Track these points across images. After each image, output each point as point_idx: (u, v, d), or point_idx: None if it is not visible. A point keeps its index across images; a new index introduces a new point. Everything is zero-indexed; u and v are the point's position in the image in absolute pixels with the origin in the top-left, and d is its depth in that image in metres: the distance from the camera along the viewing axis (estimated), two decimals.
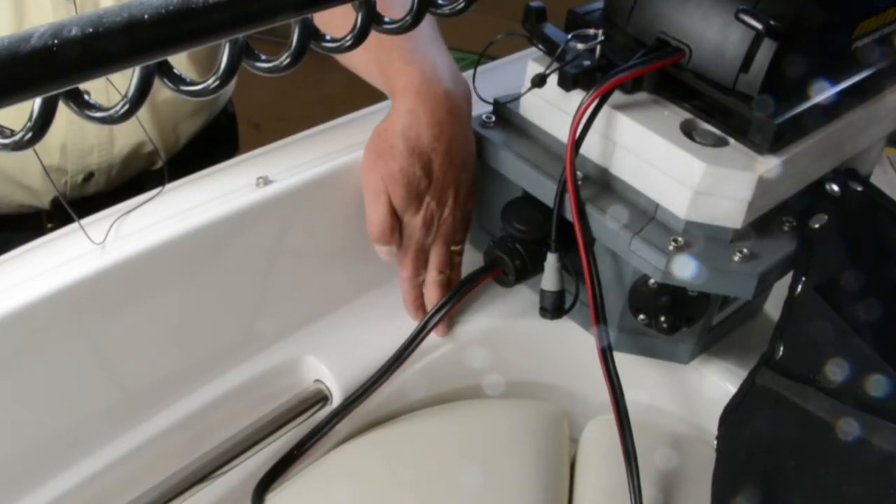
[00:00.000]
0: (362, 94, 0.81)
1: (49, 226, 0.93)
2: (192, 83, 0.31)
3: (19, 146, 0.28)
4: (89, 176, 0.92)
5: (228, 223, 0.68)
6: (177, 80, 0.31)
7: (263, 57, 0.33)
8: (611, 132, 0.68)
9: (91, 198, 0.94)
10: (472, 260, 0.83)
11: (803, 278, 0.64)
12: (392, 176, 0.69)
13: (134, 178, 0.96)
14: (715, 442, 0.67)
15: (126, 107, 0.29)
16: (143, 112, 0.90)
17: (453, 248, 0.76)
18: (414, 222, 0.72)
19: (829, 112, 0.67)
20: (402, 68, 0.70)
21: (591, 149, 0.69)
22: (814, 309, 0.62)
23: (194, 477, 0.69)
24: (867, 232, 0.68)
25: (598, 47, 0.66)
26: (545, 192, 0.71)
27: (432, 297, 0.76)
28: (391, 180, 0.69)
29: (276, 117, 1.60)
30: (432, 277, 0.75)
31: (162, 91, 0.92)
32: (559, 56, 0.66)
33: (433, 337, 0.76)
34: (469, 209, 0.76)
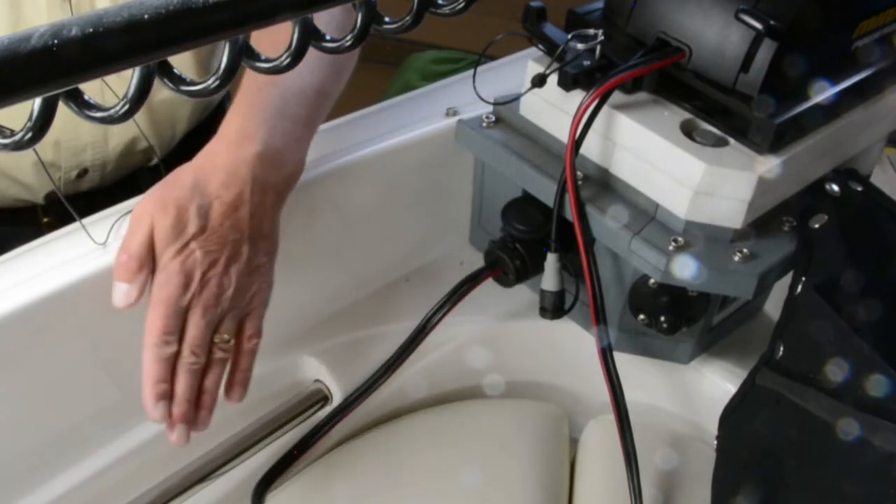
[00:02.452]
0: (361, 95, 0.81)
1: (45, 220, 0.93)
2: (192, 83, 0.31)
3: (19, 146, 0.28)
4: (83, 172, 0.92)
5: None
6: (177, 80, 0.31)
7: (263, 57, 0.33)
8: (611, 132, 0.68)
9: (86, 193, 0.94)
10: (472, 260, 0.83)
11: (803, 278, 0.64)
12: (164, 204, 0.60)
13: (129, 175, 0.96)
14: (715, 442, 0.67)
15: (126, 107, 0.29)
16: (140, 111, 0.90)
17: (217, 337, 0.62)
18: (171, 266, 0.60)
19: (829, 112, 0.67)
20: (231, 115, 0.66)
21: (591, 149, 0.69)
22: (814, 309, 0.62)
23: (194, 477, 0.69)
24: (867, 232, 0.68)
25: (598, 47, 0.66)
26: (545, 192, 0.71)
27: (179, 386, 0.61)
28: (161, 208, 0.60)
29: None
30: (183, 358, 0.61)
31: (159, 92, 0.92)
32: (559, 56, 0.66)
33: (433, 337, 0.76)
34: (244, 298, 0.63)
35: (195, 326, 0.61)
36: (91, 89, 0.78)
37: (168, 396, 0.61)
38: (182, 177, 0.62)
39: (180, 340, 0.61)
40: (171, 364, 0.61)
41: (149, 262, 0.60)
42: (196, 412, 0.63)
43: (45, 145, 0.87)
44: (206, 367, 0.63)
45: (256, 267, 0.64)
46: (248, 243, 0.63)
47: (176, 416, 0.62)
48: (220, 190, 0.61)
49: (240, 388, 0.65)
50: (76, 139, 0.88)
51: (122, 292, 0.60)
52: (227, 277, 0.62)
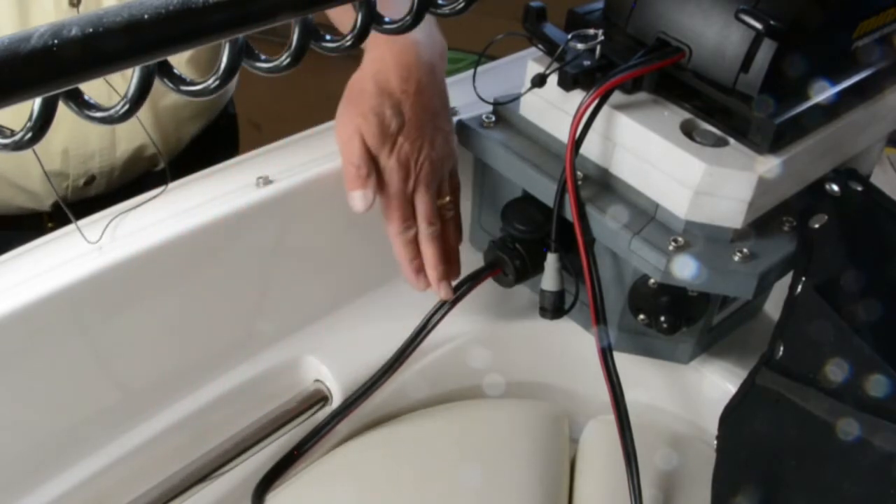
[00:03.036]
0: None
1: (50, 225, 0.93)
2: (192, 83, 0.31)
3: (19, 146, 0.28)
4: (91, 179, 0.92)
5: (228, 223, 0.68)
6: (177, 81, 0.31)
7: (263, 57, 0.33)
8: (611, 132, 0.68)
9: (92, 199, 0.94)
10: (472, 260, 0.83)
11: (803, 278, 0.64)
12: (363, 116, 0.69)
13: (135, 180, 0.97)
14: (715, 442, 0.67)
15: (126, 107, 0.29)
16: (145, 116, 0.90)
17: (440, 200, 0.74)
18: (390, 164, 0.70)
19: (829, 112, 0.67)
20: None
21: (591, 149, 0.69)
22: (814, 309, 0.62)
23: (194, 477, 0.69)
24: (867, 232, 0.68)
25: (598, 47, 0.66)
26: (545, 192, 0.71)
27: (428, 254, 0.73)
28: (362, 120, 0.69)
29: (276, 117, 1.59)
30: (423, 230, 0.72)
31: (165, 96, 0.93)
32: (559, 56, 0.66)
33: (433, 337, 0.76)
34: (447, 160, 0.74)
35: (424, 203, 0.72)
36: (98, 93, 0.78)
37: (421, 269, 0.74)
38: (366, 87, 0.70)
39: (415, 220, 0.73)
40: (416, 242, 0.73)
41: (373, 165, 0.70)
42: (449, 267, 0.74)
43: (54, 154, 0.87)
44: (443, 229, 0.74)
45: (447, 133, 0.74)
46: (438, 117, 0.72)
47: (434, 278, 0.74)
48: (402, 85, 0.70)
49: (459, 231, 0.78)
50: (84, 147, 0.89)
51: (359, 197, 0.70)
52: (434, 152, 0.72)
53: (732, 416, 0.66)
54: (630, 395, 0.70)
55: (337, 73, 0.81)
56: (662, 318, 0.70)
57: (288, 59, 0.33)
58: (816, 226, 0.66)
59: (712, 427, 0.68)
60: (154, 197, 0.68)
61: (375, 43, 0.70)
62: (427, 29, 0.73)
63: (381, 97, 0.69)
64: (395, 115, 0.69)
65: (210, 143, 1.03)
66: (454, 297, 0.74)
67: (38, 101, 0.27)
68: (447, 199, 0.75)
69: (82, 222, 0.66)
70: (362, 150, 0.69)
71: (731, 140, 0.65)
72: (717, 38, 0.64)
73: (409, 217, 0.72)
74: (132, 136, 0.91)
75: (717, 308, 0.75)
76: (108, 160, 0.92)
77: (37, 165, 0.83)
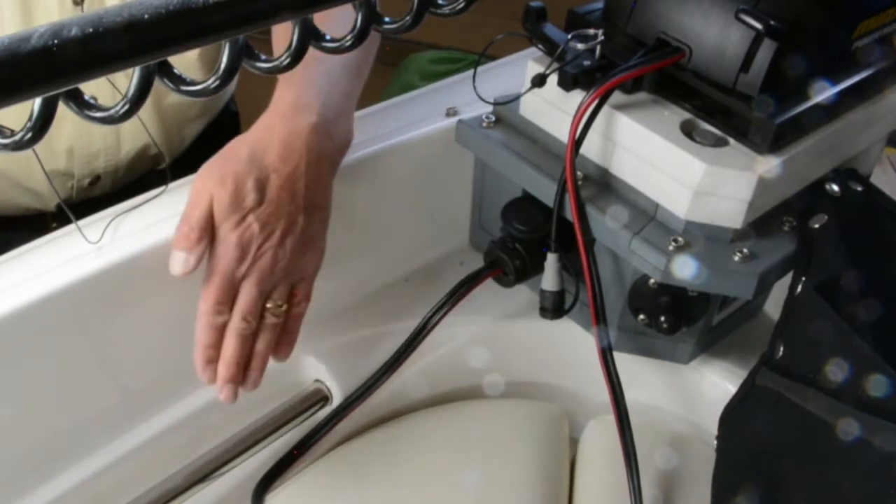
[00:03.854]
0: (361, 95, 0.81)
1: (54, 225, 0.93)
2: (192, 83, 0.31)
3: (19, 146, 0.28)
4: (96, 179, 0.92)
5: None
6: (177, 80, 0.31)
7: (263, 57, 0.33)
8: (611, 132, 0.68)
9: (97, 199, 0.94)
10: (472, 260, 0.83)
11: (803, 278, 0.64)
12: (222, 178, 0.62)
13: (139, 179, 0.97)
14: (715, 442, 0.67)
15: (126, 107, 0.29)
16: (148, 116, 0.90)
17: (270, 303, 0.65)
18: (228, 238, 0.62)
19: (829, 112, 0.67)
20: (281, 89, 0.67)
21: (591, 149, 0.69)
22: (814, 309, 0.62)
23: (194, 477, 0.69)
24: (867, 232, 0.68)
25: (598, 47, 0.66)
26: (545, 192, 0.71)
27: (227, 349, 0.64)
28: (220, 181, 0.62)
29: None
30: (233, 322, 0.64)
31: (167, 94, 0.93)
32: (559, 56, 0.66)
33: (433, 337, 0.76)
34: (296, 267, 0.66)
35: (248, 295, 0.63)
36: (103, 93, 0.78)
37: (216, 360, 0.64)
38: (239, 150, 0.63)
39: (232, 308, 0.64)
40: (222, 330, 0.64)
41: (208, 233, 0.62)
42: (246, 374, 0.65)
43: (59, 153, 0.88)
44: (257, 331, 0.65)
45: (310, 236, 0.66)
46: (303, 214, 0.64)
47: (224, 377, 0.64)
48: (278, 163, 0.63)
49: (287, 347, 0.68)
50: (89, 146, 0.89)
51: (180, 260, 0.62)
52: (283, 248, 0.64)
53: (732, 416, 0.66)
54: (630, 395, 0.70)
55: None
56: (662, 318, 0.70)
57: (288, 59, 0.33)
58: (816, 226, 0.66)
59: (712, 427, 0.68)
60: (154, 197, 0.68)
61: (271, 109, 0.66)
62: (335, 116, 0.67)
63: (249, 165, 0.62)
64: (255, 189, 0.62)
65: (213, 140, 1.03)
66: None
67: (38, 101, 0.27)
68: (280, 304, 0.66)
69: (82, 222, 0.66)
70: (204, 214, 0.62)
71: (731, 140, 0.65)
72: (717, 38, 0.64)
73: (226, 302, 0.63)
74: (136, 135, 0.91)
75: (717, 308, 0.75)
76: (113, 160, 0.92)
77: (42, 165, 0.83)
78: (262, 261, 0.63)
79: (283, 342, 0.68)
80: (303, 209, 0.64)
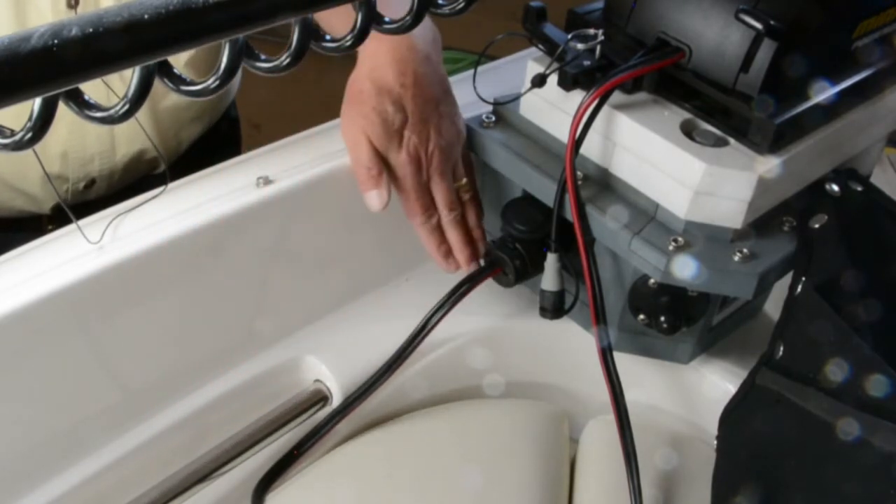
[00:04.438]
0: None
1: (50, 227, 0.93)
2: (192, 83, 0.31)
3: (19, 146, 0.28)
4: (91, 183, 0.92)
5: (228, 223, 0.68)
6: (177, 81, 0.31)
7: (263, 57, 0.33)
8: (611, 132, 0.68)
9: (92, 202, 0.94)
10: None
11: (803, 278, 0.64)
12: (366, 117, 0.70)
13: (134, 183, 0.96)
14: (715, 442, 0.67)
15: (126, 107, 0.29)
16: (144, 119, 0.90)
17: (456, 184, 0.75)
18: (400, 160, 0.71)
19: (829, 112, 0.67)
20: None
21: (591, 149, 0.69)
22: (814, 309, 0.62)
23: (194, 477, 0.69)
24: (867, 232, 0.68)
25: (598, 47, 0.66)
26: (545, 192, 0.71)
27: (454, 238, 0.75)
28: (366, 122, 0.70)
29: (276, 117, 1.59)
30: (445, 217, 0.75)
31: (164, 98, 0.93)
32: (559, 56, 0.66)
33: (433, 337, 0.76)
34: (456, 143, 0.75)
35: (442, 191, 0.74)
36: (97, 95, 0.78)
37: (450, 252, 0.76)
38: (363, 87, 0.70)
39: (435, 208, 0.74)
40: (440, 228, 0.75)
41: (382, 165, 0.71)
42: (474, 246, 0.77)
43: (53, 157, 0.87)
44: (463, 210, 0.76)
45: (453, 116, 0.74)
46: (440, 104, 0.73)
47: (464, 260, 0.76)
48: (399, 78, 0.70)
49: (480, 207, 0.79)
50: (83, 150, 0.88)
51: (374, 196, 0.72)
52: (442, 139, 0.73)
53: (732, 416, 0.66)
54: (630, 395, 0.70)
55: (337, 73, 0.81)
56: (662, 318, 0.70)
57: (288, 59, 0.33)
58: (816, 226, 0.66)
59: (712, 427, 0.68)
60: (154, 197, 0.68)
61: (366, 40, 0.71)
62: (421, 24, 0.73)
63: (380, 95, 0.69)
64: (397, 110, 0.70)
65: (211, 146, 1.03)
66: (472, 275, 0.76)
67: (38, 101, 0.27)
68: (464, 181, 0.76)
69: (82, 222, 0.66)
70: (370, 151, 0.70)
71: (731, 140, 0.65)
72: (717, 38, 0.64)
73: (429, 206, 0.74)
74: (132, 139, 0.91)
75: (717, 308, 0.75)
76: (108, 163, 0.91)
77: (36, 168, 0.83)
78: (435, 159, 0.72)
79: (477, 206, 0.78)
80: (438, 101, 0.72)
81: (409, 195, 0.73)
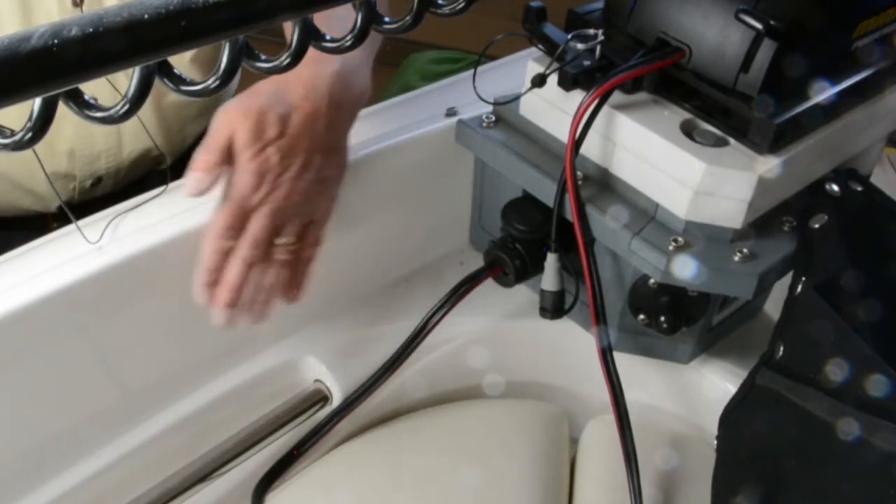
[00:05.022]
0: None
1: (55, 225, 0.93)
2: (192, 83, 0.31)
3: (19, 146, 0.28)
4: (97, 181, 0.92)
5: None
6: (177, 81, 0.31)
7: (263, 57, 0.33)
8: (611, 132, 0.68)
9: (99, 200, 0.94)
10: (471, 260, 0.83)
11: (803, 278, 0.64)
12: (246, 110, 0.63)
13: (140, 179, 0.97)
14: (715, 442, 0.67)
15: (126, 107, 0.29)
16: (149, 116, 0.90)
17: (279, 239, 0.65)
18: (247, 166, 0.63)
19: (829, 112, 0.67)
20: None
21: (591, 149, 0.69)
22: (814, 309, 0.62)
23: (194, 477, 0.69)
24: (867, 232, 0.68)
25: (598, 47, 0.66)
26: (545, 192, 0.71)
27: (230, 273, 0.64)
28: (243, 114, 0.63)
29: None
30: (240, 249, 0.64)
31: (168, 94, 0.93)
32: (559, 56, 0.66)
33: (433, 337, 0.76)
34: (310, 206, 0.66)
35: (258, 223, 0.64)
36: (102, 92, 0.78)
37: (215, 285, 0.64)
38: (264, 87, 0.65)
39: (239, 238, 0.64)
40: (227, 257, 0.64)
41: (225, 161, 0.63)
42: (236, 298, 0.65)
43: (60, 155, 0.87)
44: (265, 267, 0.66)
45: (325, 178, 0.67)
46: (321, 154, 0.65)
47: (221, 299, 0.64)
48: (301, 101, 0.64)
49: (295, 289, 0.69)
50: (90, 147, 0.89)
51: (194, 179, 0.63)
52: (299, 183, 0.64)
53: (732, 416, 0.66)
54: (630, 395, 0.70)
55: None
56: (662, 318, 0.70)
57: (288, 59, 0.33)
58: (816, 226, 0.66)
59: (712, 427, 0.68)
60: (154, 197, 0.68)
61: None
62: (355, 68, 0.68)
63: (273, 100, 0.64)
64: (277, 122, 0.64)
65: None
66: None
67: (38, 101, 0.27)
68: (290, 240, 0.66)
69: (82, 222, 0.66)
70: (224, 143, 0.63)
71: (731, 140, 0.65)
72: (717, 38, 0.64)
73: (235, 228, 0.64)
74: (138, 136, 0.91)
75: (717, 308, 0.75)
76: (115, 161, 0.92)
77: (44, 168, 0.83)
78: (278, 192, 0.64)
79: (293, 284, 0.68)
80: (321, 149, 0.65)
81: (227, 204, 0.64)
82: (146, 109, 0.86)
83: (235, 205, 0.63)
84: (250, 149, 0.63)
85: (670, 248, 0.65)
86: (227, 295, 0.64)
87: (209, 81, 0.31)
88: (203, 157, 0.63)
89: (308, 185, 0.65)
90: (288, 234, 0.66)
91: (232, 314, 0.65)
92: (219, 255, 0.64)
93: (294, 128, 0.64)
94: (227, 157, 0.63)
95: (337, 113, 0.66)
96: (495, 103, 0.76)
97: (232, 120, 0.63)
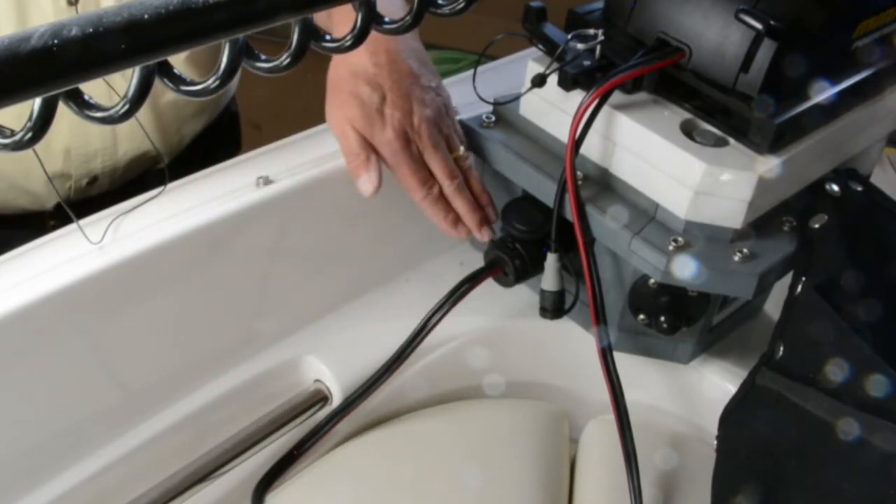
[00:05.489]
0: None
1: (52, 223, 0.93)
2: (192, 83, 0.31)
3: (19, 146, 0.28)
4: (93, 180, 0.92)
5: (229, 223, 0.68)
6: (177, 81, 0.31)
7: (263, 57, 0.33)
8: (611, 132, 0.68)
9: (94, 199, 0.94)
10: (471, 260, 0.83)
11: (803, 278, 0.64)
12: (345, 104, 0.70)
13: (137, 178, 0.97)
14: (715, 442, 0.67)
15: (126, 107, 0.29)
16: (146, 115, 0.90)
17: (453, 153, 0.74)
18: (385, 138, 0.70)
19: (829, 112, 0.67)
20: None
21: (591, 149, 0.69)
22: (814, 309, 0.62)
23: (194, 477, 0.69)
24: (867, 232, 0.68)
25: (598, 47, 0.66)
26: (545, 192, 0.71)
27: (460, 205, 0.74)
28: (346, 108, 0.70)
29: (277, 117, 1.59)
30: (446, 188, 0.73)
31: (165, 94, 0.93)
32: (559, 56, 0.66)
33: (433, 337, 0.76)
34: (444, 114, 0.74)
35: (436, 160, 0.72)
36: (98, 95, 0.78)
37: (458, 220, 0.74)
38: (340, 74, 0.71)
39: (433, 178, 0.72)
40: (443, 198, 0.73)
41: (370, 149, 0.70)
42: (482, 211, 0.75)
43: (56, 154, 0.88)
44: (465, 177, 0.74)
45: (435, 88, 0.73)
46: (420, 76, 0.72)
47: (473, 226, 0.74)
48: (372, 59, 0.70)
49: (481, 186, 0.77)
50: (86, 146, 0.89)
51: (365, 181, 0.70)
52: (427, 110, 0.71)
53: (732, 416, 0.66)
54: (630, 395, 0.70)
55: None
56: (662, 318, 0.70)
57: (288, 59, 0.33)
58: (816, 226, 0.66)
59: (712, 427, 0.68)
60: (153, 197, 0.68)
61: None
62: (385, 11, 0.73)
63: (355, 79, 0.69)
64: (373, 90, 0.69)
65: (212, 141, 1.04)
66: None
67: (38, 101, 0.27)
68: (461, 150, 0.74)
69: (83, 222, 0.66)
70: (356, 136, 0.70)
71: (731, 140, 0.65)
72: (717, 38, 0.64)
73: (428, 179, 0.72)
74: (134, 135, 0.91)
75: (717, 308, 0.75)
76: (111, 160, 0.92)
77: (39, 167, 0.83)
78: (423, 132, 0.71)
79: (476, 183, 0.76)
80: (415, 74, 0.71)
81: (403, 171, 0.71)
82: (144, 109, 0.86)
83: (408, 165, 0.70)
84: (375, 125, 0.69)
85: (670, 248, 0.65)
86: (476, 216, 0.74)
87: (209, 81, 0.31)
88: (352, 161, 0.70)
89: (432, 105, 0.72)
90: (454, 147, 0.74)
91: (489, 226, 0.75)
92: (438, 202, 0.73)
93: (388, 83, 0.70)
94: (368, 147, 0.70)
95: (402, 42, 0.72)
96: (495, 103, 0.76)
97: (343, 119, 0.70)
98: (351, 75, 0.70)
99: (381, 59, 0.70)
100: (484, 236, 0.75)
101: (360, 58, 0.70)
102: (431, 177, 0.72)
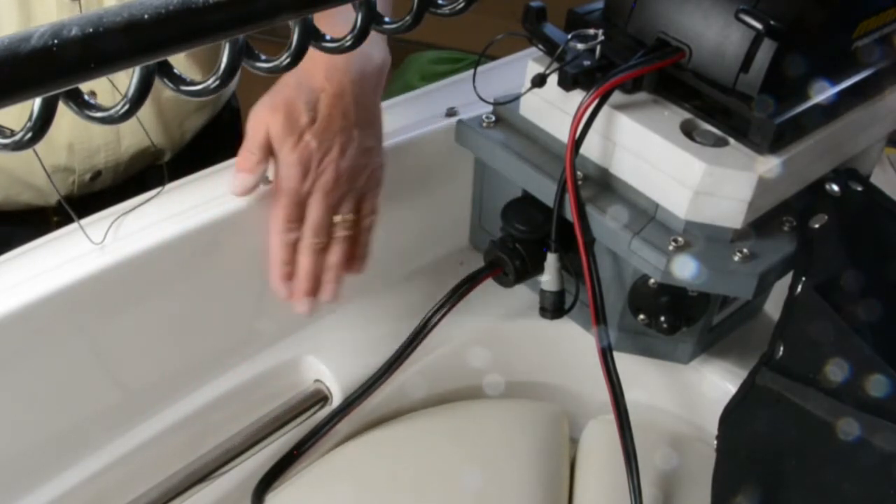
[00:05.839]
0: None
1: (55, 219, 0.93)
2: (192, 83, 0.31)
3: (19, 146, 0.28)
4: (97, 174, 0.92)
5: (228, 223, 0.68)
6: (177, 80, 0.31)
7: (263, 57, 0.33)
8: (611, 132, 0.68)
9: (98, 194, 0.94)
10: (472, 260, 0.83)
11: (803, 278, 0.64)
12: (274, 106, 0.66)
13: (140, 173, 0.97)
14: (715, 442, 0.67)
15: (126, 107, 0.29)
16: (148, 111, 0.90)
17: (338, 216, 0.68)
18: (289, 159, 0.65)
19: (829, 112, 0.67)
20: (319, 22, 0.70)
21: (591, 149, 0.69)
22: (814, 309, 0.62)
23: (194, 477, 0.69)
24: (867, 232, 0.68)
25: (598, 47, 0.66)
26: (545, 192, 0.71)
27: (301, 265, 0.68)
28: (272, 109, 0.66)
29: None
30: (304, 239, 0.67)
31: (166, 90, 0.92)
32: (559, 56, 0.66)
33: (433, 337, 0.76)
34: (360, 176, 0.69)
35: (315, 209, 0.67)
36: (101, 90, 0.78)
37: (291, 277, 0.69)
38: (286, 79, 0.67)
39: (302, 226, 0.67)
40: (295, 248, 0.68)
41: (267, 157, 0.66)
42: (321, 287, 0.69)
43: (59, 149, 0.88)
44: (329, 246, 0.69)
45: (367, 149, 0.68)
46: (356, 128, 0.67)
47: (301, 290, 0.69)
48: (324, 83, 0.66)
49: (360, 261, 0.72)
50: (89, 141, 0.89)
51: (240, 180, 0.67)
52: (343, 160, 0.67)
53: (732, 416, 0.66)
54: (630, 395, 0.70)
55: None
56: (662, 318, 0.70)
57: (288, 59, 0.33)
58: (816, 226, 0.66)
59: (712, 427, 0.68)
60: (153, 197, 0.68)
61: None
62: (376, 42, 0.69)
63: (298, 89, 0.66)
64: (307, 109, 0.66)
65: (214, 136, 1.04)
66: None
67: (38, 101, 0.27)
68: (348, 216, 0.69)
69: (84, 221, 0.66)
70: (262, 140, 0.66)
71: (731, 140, 0.65)
72: (717, 38, 0.64)
73: (295, 220, 0.67)
74: (137, 130, 0.91)
75: (717, 308, 0.75)
76: (114, 155, 0.92)
77: (44, 161, 0.83)
78: (325, 175, 0.66)
79: (356, 256, 0.71)
80: (356, 124, 0.67)
81: (279, 200, 0.67)
82: (146, 104, 0.86)
83: (289, 197, 0.66)
84: (288, 141, 0.65)
85: (670, 248, 0.65)
86: (306, 284, 0.68)
87: (209, 81, 0.31)
88: (244, 157, 0.66)
89: (352, 160, 0.67)
90: (345, 210, 0.68)
91: (313, 302, 0.69)
92: (287, 248, 0.68)
93: (324, 110, 0.66)
94: (267, 154, 0.66)
95: (362, 86, 0.68)
96: (495, 103, 0.76)
97: (263, 117, 0.65)
98: (297, 84, 0.66)
99: (332, 88, 0.66)
100: (300, 307, 0.70)
101: (315, 73, 0.66)
102: (300, 221, 0.68)
